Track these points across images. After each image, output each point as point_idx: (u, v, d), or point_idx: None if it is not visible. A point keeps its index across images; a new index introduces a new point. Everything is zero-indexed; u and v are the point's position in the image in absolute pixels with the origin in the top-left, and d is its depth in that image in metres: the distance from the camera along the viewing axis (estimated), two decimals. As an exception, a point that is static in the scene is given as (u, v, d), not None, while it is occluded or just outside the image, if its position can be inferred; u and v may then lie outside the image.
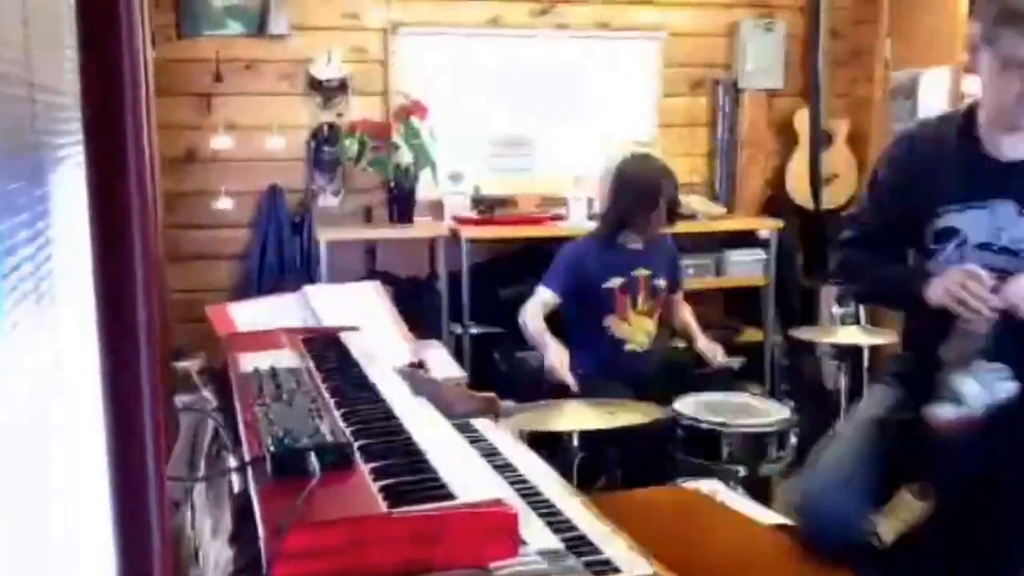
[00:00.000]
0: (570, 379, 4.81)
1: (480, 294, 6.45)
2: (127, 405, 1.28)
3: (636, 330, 5.22)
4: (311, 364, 2.82)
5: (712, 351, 5.25)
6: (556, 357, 4.87)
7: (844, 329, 5.50)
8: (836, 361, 5.52)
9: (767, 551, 3.05)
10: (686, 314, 5.65)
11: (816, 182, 7.22)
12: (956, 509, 3.15)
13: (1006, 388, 2.93)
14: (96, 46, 1.24)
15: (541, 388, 5.20)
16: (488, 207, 6.67)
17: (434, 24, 6.87)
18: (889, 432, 3.22)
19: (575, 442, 4.10)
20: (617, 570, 2.29)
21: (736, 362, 5.33)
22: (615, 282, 5.12)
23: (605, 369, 5.06)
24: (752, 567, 3.06)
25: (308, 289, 4.21)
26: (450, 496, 1.86)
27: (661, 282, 5.31)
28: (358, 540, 1.73)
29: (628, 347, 5.17)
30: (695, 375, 5.34)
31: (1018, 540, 3.08)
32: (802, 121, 7.28)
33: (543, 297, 5.14)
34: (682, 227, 6.59)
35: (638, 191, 5.13)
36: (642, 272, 5.17)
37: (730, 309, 7.59)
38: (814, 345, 5.41)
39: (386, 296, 4.37)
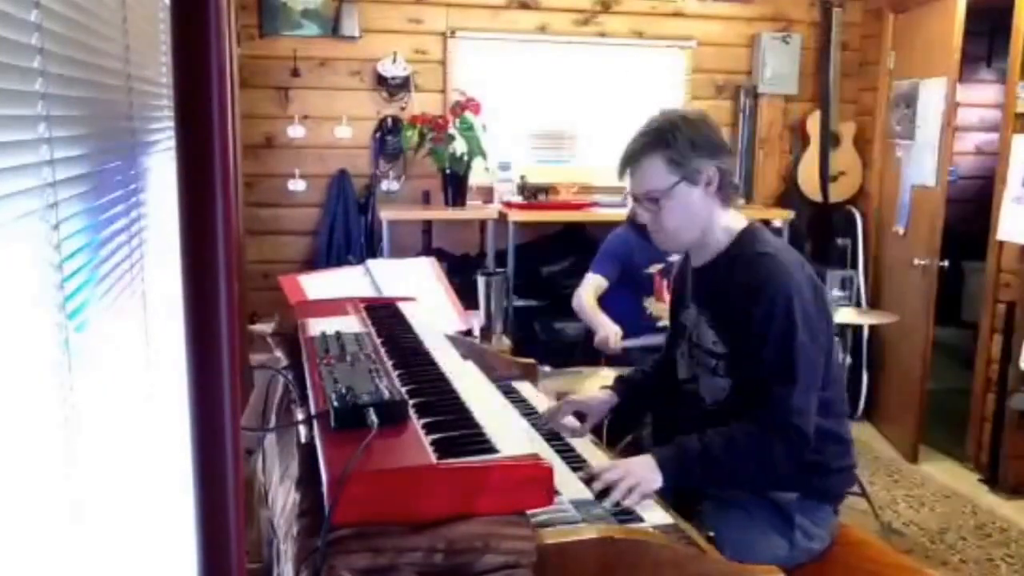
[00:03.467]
0: (618, 350, 4.79)
1: (524, 270, 6.45)
2: (207, 362, 1.28)
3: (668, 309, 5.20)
4: (372, 330, 2.82)
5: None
6: (610, 332, 4.83)
7: (845, 310, 5.47)
8: (838, 338, 5.49)
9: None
10: None
11: (825, 178, 7.18)
12: None
13: None
14: (187, 44, 1.23)
15: (575, 355, 5.20)
16: (532, 193, 6.67)
17: (488, 30, 6.86)
18: None
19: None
20: (640, 519, 2.29)
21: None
22: (655, 268, 5.10)
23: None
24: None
25: (370, 263, 4.21)
26: (493, 450, 1.85)
27: None
28: (410, 487, 1.73)
29: (661, 323, 5.13)
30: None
31: None
32: (814, 124, 7.24)
33: (595, 282, 5.13)
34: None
35: None
36: (676, 258, 5.13)
37: (745, 289, 7.55)
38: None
39: (440, 271, 4.36)
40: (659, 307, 5.18)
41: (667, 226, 2.85)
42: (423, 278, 4.17)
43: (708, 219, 2.85)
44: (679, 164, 2.77)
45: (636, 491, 2.46)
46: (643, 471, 2.56)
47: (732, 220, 2.91)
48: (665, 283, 5.13)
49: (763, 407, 2.67)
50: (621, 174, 2.89)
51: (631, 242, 5.12)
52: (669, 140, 2.77)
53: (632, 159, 2.84)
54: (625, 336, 5.03)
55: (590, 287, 5.14)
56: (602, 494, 2.42)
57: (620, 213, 5.91)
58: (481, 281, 4.47)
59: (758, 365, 2.69)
